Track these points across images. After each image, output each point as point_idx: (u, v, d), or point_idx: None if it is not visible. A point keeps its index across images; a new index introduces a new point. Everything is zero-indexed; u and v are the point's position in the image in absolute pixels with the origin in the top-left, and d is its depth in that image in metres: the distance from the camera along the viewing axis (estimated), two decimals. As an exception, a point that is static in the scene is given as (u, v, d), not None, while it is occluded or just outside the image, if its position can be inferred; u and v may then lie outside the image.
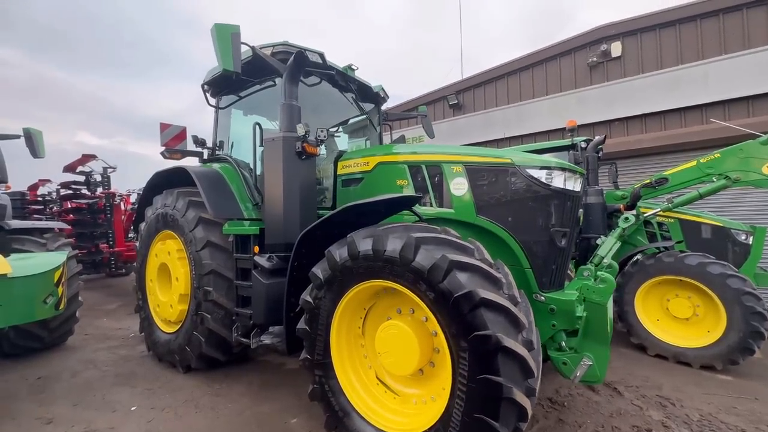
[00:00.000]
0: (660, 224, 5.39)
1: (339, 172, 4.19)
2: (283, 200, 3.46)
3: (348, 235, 2.71)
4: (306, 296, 2.94)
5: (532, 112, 9.32)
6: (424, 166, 3.56)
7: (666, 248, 4.85)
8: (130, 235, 9.71)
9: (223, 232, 3.98)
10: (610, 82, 8.24)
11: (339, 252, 2.73)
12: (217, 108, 4.95)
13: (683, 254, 4.67)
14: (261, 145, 3.69)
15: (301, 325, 2.96)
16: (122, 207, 9.10)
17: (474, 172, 3.25)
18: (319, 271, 2.85)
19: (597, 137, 5.91)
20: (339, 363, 2.87)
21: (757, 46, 6.83)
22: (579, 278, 3.09)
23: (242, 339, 3.72)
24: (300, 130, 3.41)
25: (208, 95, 4.89)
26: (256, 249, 3.57)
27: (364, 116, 5.20)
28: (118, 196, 9.04)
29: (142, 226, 4.92)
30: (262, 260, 3.48)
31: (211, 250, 3.91)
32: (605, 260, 3.34)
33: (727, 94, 7.00)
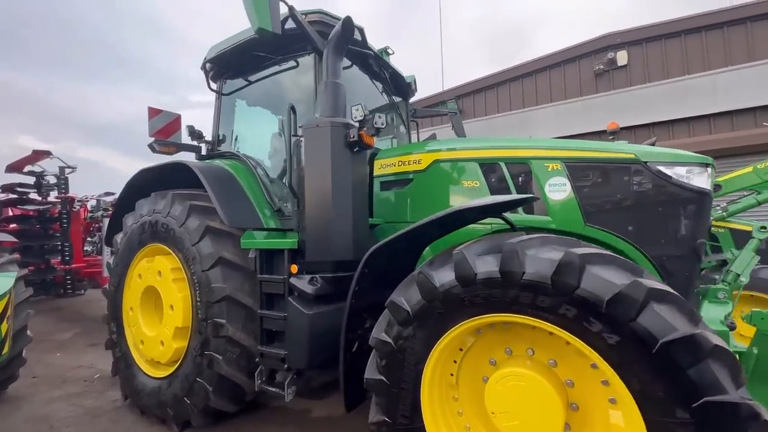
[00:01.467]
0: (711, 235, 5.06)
1: (376, 173, 3.41)
2: (333, 205, 2.62)
3: (455, 251, 1.94)
4: (381, 334, 2.12)
5: (537, 119, 9.04)
6: (503, 164, 2.87)
7: (723, 261, 4.50)
8: (86, 249, 8.23)
9: (242, 247, 3.06)
10: (617, 90, 8.11)
11: (439, 274, 1.95)
12: (220, 94, 4.00)
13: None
14: (295, 134, 2.85)
15: (373, 374, 2.13)
16: (81, 215, 7.66)
17: (579, 170, 2.60)
18: (404, 300, 2.05)
19: (648, 140, 5.56)
20: (434, 429, 2.07)
21: (762, 58, 6.90)
22: (713, 301, 2.52)
23: (269, 388, 2.78)
24: (357, 113, 2.61)
25: (209, 77, 3.96)
26: (294, 268, 2.69)
27: (393, 109, 4.48)
28: (78, 201, 7.57)
29: (119, 238, 3.85)
30: (303, 283, 2.60)
31: (224, 270, 2.97)
32: (742, 278, 2.83)
33: (733, 104, 7.00)
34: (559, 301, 1.64)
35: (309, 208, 2.63)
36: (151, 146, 3.56)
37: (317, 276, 2.60)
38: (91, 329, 6.56)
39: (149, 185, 3.73)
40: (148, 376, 3.37)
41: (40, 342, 5.86)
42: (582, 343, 1.64)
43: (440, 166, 3.11)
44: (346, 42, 2.85)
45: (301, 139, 2.76)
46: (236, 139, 4.11)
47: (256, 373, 2.83)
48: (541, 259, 1.70)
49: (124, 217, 3.79)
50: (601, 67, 8.02)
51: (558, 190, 2.60)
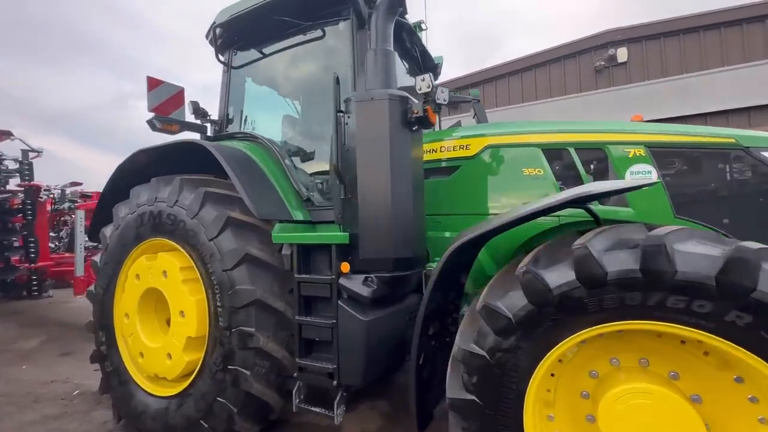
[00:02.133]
0: None
1: (414, 159, 3.04)
2: (392, 193, 2.22)
3: (576, 245, 1.61)
4: (470, 345, 1.75)
5: (536, 114, 8.93)
6: (572, 149, 2.56)
7: None
8: (49, 245, 7.30)
9: (274, 241, 2.59)
10: (616, 87, 8.12)
11: (552, 275, 1.61)
12: (229, 67, 3.47)
13: None
14: (340, 110, 2.41)
15: (459, 393, 1.75)
16: (47, 207, 6.71)
17: (666, 156, 2.34)
18: (502, 305, 1.70)
19: None
20: None
21: (756, 60, 7.07)
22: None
23: (312, 408, 2.34)
24: (423, 83, 2.22)
25: (217, 46, 3.41)
26: (346, 267, 2.27)
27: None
28: (45, 190, 6.60)
29: (108, 231, 3.24)
30: (356, 284, 2.19)
31: (251, 269, 2.49)
32: None
33: (729, 104, 7.14)
34: (727, 306, 1.35)
35: (363, 196, 2.21)
36: (150, 123, 2.98)
37: (372, 276, 2.20)
38: (59, 336, 5.76)
39: (143, 170, 3.16)
40: (151, 395, 2.82)
41: (1, 352, 5.06)
42: (755, 356, 1.35)
43: (494, 151, 2.77)
44: (400, 4, 2.45)
45: (347, 115, 2.33)
46: (244, 121, 3.60)
47: (294, 391, 2.39)
48: (697, 255, 1.40)
49: (115, 207, 3.20)
50: (602, 63, 8.01)
51: (642, 178, 2.33)
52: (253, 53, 3.40)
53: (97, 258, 3.26)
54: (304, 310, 2.40)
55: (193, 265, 2.67)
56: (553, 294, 1.57)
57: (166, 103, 3.09)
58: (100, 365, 3.19)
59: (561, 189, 2.54)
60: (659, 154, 2.29)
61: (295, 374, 2.37)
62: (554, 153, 2.59)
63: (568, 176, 2.54)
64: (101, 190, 3.53)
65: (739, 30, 7.31)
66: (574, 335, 1.61)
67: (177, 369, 2.69)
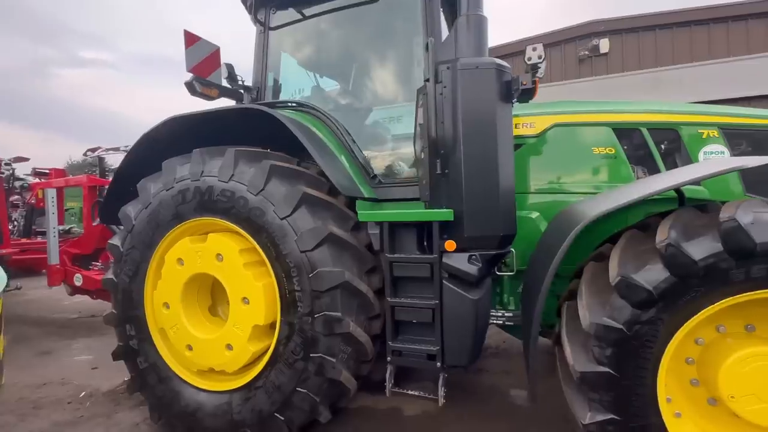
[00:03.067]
0: None
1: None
2: (499, 168, 2.13)
3: (723, 217, 1.64)
4: (603, 320, 1.76)
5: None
6: (644, 129, 2.63)
7: None
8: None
9: (361, 219, 2.38)
10: (598, 76, 8.55)
11: (695, 247, 1.64)
12: (266, 28, 3.09)
13: None
14: (428, 79, 2.24)
15: (591, 366, 1.76)
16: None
17: (736, 136, 2.48)
18: (641, 277, 1.71)
19: None
20: (673, 423, 1.80)
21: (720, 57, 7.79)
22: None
23: (410, 392, 2.24)
24: (534, 53, 2.11)
25: (253, 3, 3.00)
26: (452, 245, 2.14)
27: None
28: (5, 165, 5.48)
29: (132, 210, 2.80)
30: (462, 263, 2.09)
31: (333, 250, 2.27)
32: None
33: (699, 97, 7.84)
34: None
35: (469, 171, 2.09)
36: (190, 85, 2.57)
37: (476, 254, 2.11)
38: (28, 335, 5.01)
39: (176, 142, 2.76)
40: (204, 390, 2.53)
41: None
42: None
43: (561, 130, 2.77)
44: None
45: (443, 85, 2.18)
46: (279, 90, 3.26)
47: (387, 375, 2.26)
48: None
49: (141, 183, 2.76)
50: (586, 53, 8.38)
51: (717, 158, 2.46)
52: (292, 13, 3.06)
53: (116, 241, 2.81)
54: (395, 291, 2.26)
55: (256, 246, 2.39)
56: (698, 266, 1.61)
57: (203, 63, 2.68)
58: (127, 362, 2.80)
59: (632, 169, 2.62)
60: (731, 134, 2.43)
61: (389, 358, 2.25)
62: (626, 132, 2.64)
63: (639, 156, 2.61)
64: (59, 166, 3.03)
65: (706, 29, 8.01)
66: (714, 305, 1.67)
67: (240, 361, 2.43)
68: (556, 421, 2.45)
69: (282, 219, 2.28)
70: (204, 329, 2.60)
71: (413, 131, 2.65)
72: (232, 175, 2.42)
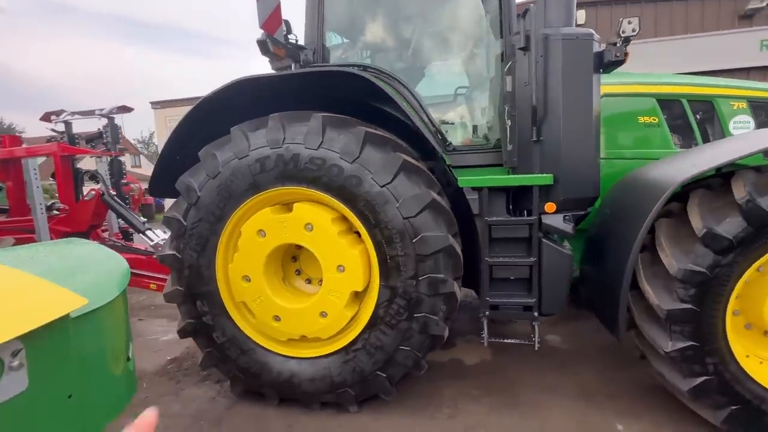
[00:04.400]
0: None
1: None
2: (595, 133, 2.29)
3: None
4: (689, 265, 2.07)
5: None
6: (685, 101, 2.94)
7: None
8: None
9: (462, 185, 2.42)
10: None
11: (766, 200, 1.97)
12: (321, -19, 2.85)
13: None
14: (523, 47, 2.27)
15: (674, 304, 2.09)
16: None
17: (759, 108, 2.86)
18: (723, 229, 2.02)
19: None
20: (738, 345, 2.19)
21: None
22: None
23: (508, 340, 2.45)
24: (629, 26, 2.22)
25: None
26: (552, 207, 2.28)
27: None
28: None
29: (195, 181, 2.57)
30: (560, 223, 2.27)
31: (435, 215, 2.32)
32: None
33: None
34: None
35: (568, 137, 2.24)
36: (263, 44, 2.34)
37: (569, 214, 2.31)
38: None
39: (239, 108, 2.56)
40: (295, 358, 2.54)
41: None
42: None
43: (610, 99, 3.00)
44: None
45: (539, 54, 2.24)
46: (327, 53, 3.08)
47: (485, 326, 2.44)
48: None
49: (204, 151, 2.53)
50: (564, 24, 8.69)
51: (742, 128, 2.84)
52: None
53: (175, 213, 2.59)
54: (491, 250, 2.41)
55: (350, 214, 2.37)
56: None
57: (271, 18, 2.43)
58: (197, 338, 2.69)
59: (672, 137, 2.94)
60: (757, 107, 2.82)
61: (487, 312, 2.43)
62: (667, 103, 2.94)
63: (679, 125, 2.94)
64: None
65: (668, 6, 8.68)
66: (779, 248, 2.04)
67: (336, 326, 2.46)
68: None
69: (382, 186, 2.28)
70: (289, 299, 2.58)
71: (494, 98, 2.72)
72: (321, 142, 2.33)
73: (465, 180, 2.39)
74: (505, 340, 2.47)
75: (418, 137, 2.51)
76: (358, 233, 2.48)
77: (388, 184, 2.28)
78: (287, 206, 2.53)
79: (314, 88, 2.57)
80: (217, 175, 2.48)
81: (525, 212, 2.42)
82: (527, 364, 3.03)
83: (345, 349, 2.48)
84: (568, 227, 2.25)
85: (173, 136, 2.64)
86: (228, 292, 2.62)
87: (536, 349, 2.37)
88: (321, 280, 2.73)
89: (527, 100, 2.32)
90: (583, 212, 2.34)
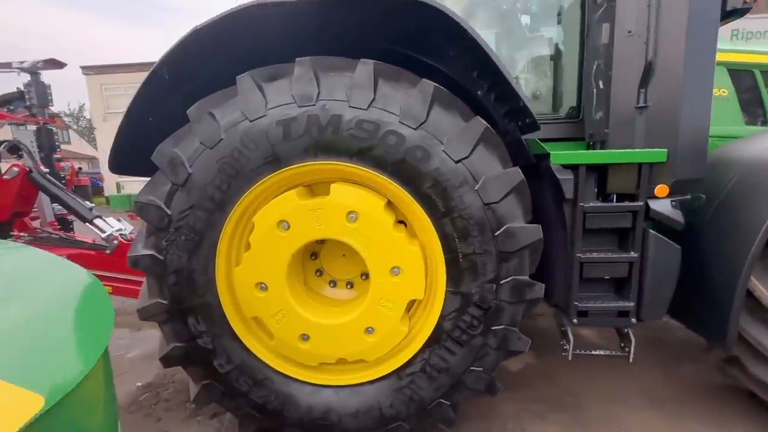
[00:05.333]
0: None
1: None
2: (712, 101, 1.85)
3: None
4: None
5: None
6: (757, 72, 2.63)
7: None
8: None
9: (555, 162, 1.87)
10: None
11: None
12: None
13: None
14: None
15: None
16: None
17: None
18: None
19: None
20: None
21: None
22: None
23: (594, 352, 2.00)
24: None
25: None
26: (664, 191, 1.82)
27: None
28: None
29: (183, 151, 1.79)
30: (668, 210, 1.83)
31: (519, 201, 1.77)
32: None
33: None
34: None
35: (687, 102, 1.78)
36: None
37: (675, 200, 1.88)
38: None
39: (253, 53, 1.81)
40: (334, 387, 1.94)
41: None
42: None
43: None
44: None
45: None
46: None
47: (570, 337, 1.99)
48: None
49: (197, 110, 1.76)
50: None
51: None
52: None
53: (152, 197, 1.82)
54: (583, 243, 1.93)
55: (408, 199, 1.77)
56: None
57: None
58: (190, 368, 1.98)
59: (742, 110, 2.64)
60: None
61: (575, 320, 1.97)
62: (739, 74, 2.61)
63: (750, 98, 2.63)
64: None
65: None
66: None
67: (388, 345, 1.88)
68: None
69: (457, 162, 1.70)
70: (320, 312, 1.94)
71: (570, 54, 2.21)
72: (373, 99, 1.68)
73: (560, 155, 1.87)
74: (594, 352, 2.05)
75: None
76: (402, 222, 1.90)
77: (465, 158, 1.69)
78: (312, 189, 1.87)
79: (338, 25, 1.87)
80: (218, 144, 1.75)
81: (612, 198, 1.97)
82: (577, 369, 2.68)
83: (397, 373, 1.92)
84: (679, 216, 1.84)
85: (144, 89, 1.83)
86: (233, 304, 1.92)
87: (630, 361, 1.98)
88: (350, 283, 2.15)
89: (630, 55, 1.83)
90: (689, 196, 1.93)
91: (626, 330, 1.99)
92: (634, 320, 1.92)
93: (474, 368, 1.87)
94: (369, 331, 1.87)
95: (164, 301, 1.90)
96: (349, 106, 1.68)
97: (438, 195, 1.72)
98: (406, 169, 1.71)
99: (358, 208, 1.76)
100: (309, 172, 1.80)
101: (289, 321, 1.88)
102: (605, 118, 1.96)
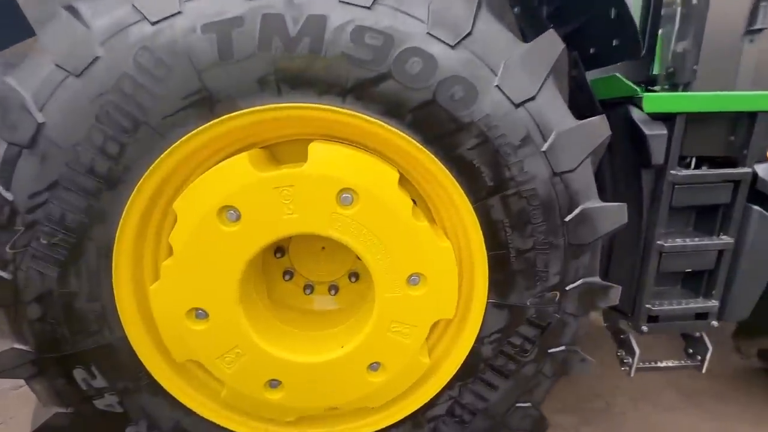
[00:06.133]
0: None
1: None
2: None
3: None
4: None
5: None
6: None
7: None
8: None
9: (648, 111, 1.24)
10: None
11: None
12: None
13: None
14: None
15: None
16: None
17: None
18: None
19: None
20: None
21: None
22: None
23: (662, 364, 1.53)
24: None
25: None
26: None
27: None
28: None
29: (22, 90, 0.95)
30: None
31: (590, 168, 1.18)
32: None
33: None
34: None
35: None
36: None
37: (777, 165, 1.40)
38: None
39: None
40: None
41: None
42: None
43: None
44: None
45: None
46: None
47: (633, 344, 1.50)
48: None
49: (44, 2, 0.92)
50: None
51: None
52: None
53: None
54: (666, 226, 1.40)
55: (442, 167, 1.10)
56: None
57: None
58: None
59: None
60: None
61: (644, 327, 1.48)
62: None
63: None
64: None
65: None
66: None
67: (401, 384, 1.27)
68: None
69: (519, 105, 1.04)
70: (297, 344, 1.27)
71: None
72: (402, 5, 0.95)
73: (655, 99, 1.27)
74: (660, 364, 1.60)
75: None
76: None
77: (531, 100, 1.05)
78: (275, 152, 1.14)
79: None
80: (91, 68, 0.94)
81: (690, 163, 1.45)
82: (612, 375, 2.26)
83: (414, 419, 1.33)
84: None
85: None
86: (154, 342, 1.19)
87: (703, 371, 1.57)
88: (334, 287, 1.50)
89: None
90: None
91: (698, 334, 1.56)
92: (715, 323, 1.49)
93: (520, 404, 1.34)
94: (373, 367, 1.24)
95: (25, 347, 1.12)
96: (340, 1, 0.94)
97: (485, 160, 1.08)
98: (435, 118, 1.04)
99: (357, 183, 1.06)
100: (268, 123, 1.06)
101: (249, 363, 1.19)
102: (693, 49, 1.39)
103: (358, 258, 1.20)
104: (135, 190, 1.04)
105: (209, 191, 1.04)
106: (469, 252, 1.20)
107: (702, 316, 1.49)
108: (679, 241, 1.40)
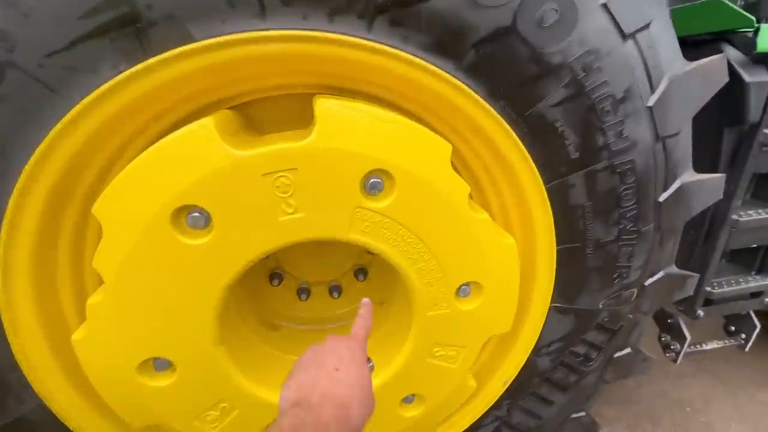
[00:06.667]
0: None
1: None
2: None
3: None
4: None
5: None
6: None
7: None
8: None
9: (760, 47, 0.91)
10: None
11: None
12: None
13: None
14: None
15: None
16: None
17: None
18: None
19: None
20: None
21: None
22: None
23: (707, 347, 1.37)
24: None
25: None
26: None
27: None
28: None
29: None
30: None
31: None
32: None
33: None
34: None
35: None
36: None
37: None
38: None
39: None
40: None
41: None
42: None
43: None
44: None
45: None
46: None
47: (684, 329, 1.32)
48: None
49: None
50: None
51: None
52: None
53: None
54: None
55: (510, 131, 0.75)
56: None
57: None
58: None
59: None
60: None
61: (700, 312, 1.28)
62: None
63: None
64: None
65: None
66: None
67: (441, 414, 1.00)
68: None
69: (629, 36, 0.70)
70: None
71: None
72: None
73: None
74: (705, 347, 1.45)
75: None
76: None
77: (645, 28, 0.71)
78: (258, 116, 0.73)
79: None
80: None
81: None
82: (658, 375, 2.08)
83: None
84: None
85: None
86: (89, 405, 0.81)
87: (746, 350, 1.44)
88: (336, 288, 1.18)
89: None
90: None
91: (744, 312, 1.42)
92: (767, 300, 1.34)
93: (576, 415, 1.13)
94: (408, 400, 0.95)
95: None
96: None
97: (574, 121, 0.74)
98: (511, 57, 0.67)
99: (392, 162, 0.69)
100: (242, 66, 0.64)
101: (242, 418, 0.85)
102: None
103: (369, 252, 0.87)
104: (19, 186, 0.61)
105: (154, 184, 0.63)
106: (531, 248, 0.90)
107: (756, 294, 1.33)
108: (754, 215, 1.18)
